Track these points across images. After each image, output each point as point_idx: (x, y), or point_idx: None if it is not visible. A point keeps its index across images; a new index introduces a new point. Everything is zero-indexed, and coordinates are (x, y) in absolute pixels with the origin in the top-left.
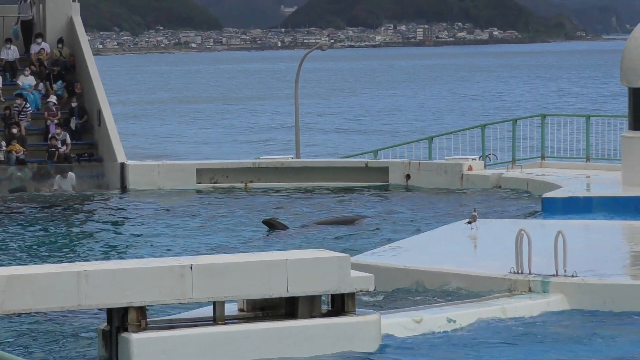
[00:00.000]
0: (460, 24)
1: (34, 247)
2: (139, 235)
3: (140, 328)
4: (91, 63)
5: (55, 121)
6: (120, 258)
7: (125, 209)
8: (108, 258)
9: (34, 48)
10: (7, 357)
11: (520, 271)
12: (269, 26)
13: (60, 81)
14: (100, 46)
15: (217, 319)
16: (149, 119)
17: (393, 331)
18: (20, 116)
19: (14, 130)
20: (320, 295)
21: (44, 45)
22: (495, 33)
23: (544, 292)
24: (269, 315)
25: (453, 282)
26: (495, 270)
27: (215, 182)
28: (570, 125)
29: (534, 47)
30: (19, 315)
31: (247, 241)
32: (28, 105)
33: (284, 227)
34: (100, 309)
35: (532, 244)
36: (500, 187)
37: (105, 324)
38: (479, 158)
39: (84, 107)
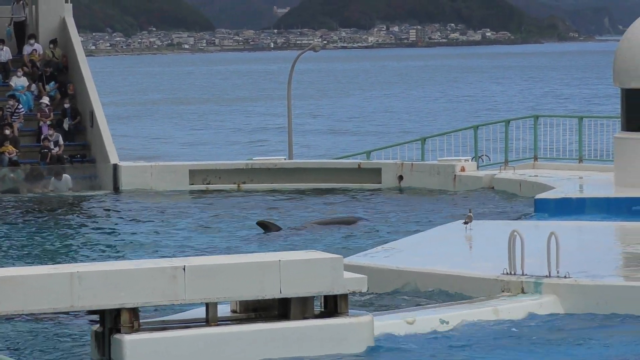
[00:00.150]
0: (452, 25)
1: (27, 248)
2: (131, 237)
3: (132, 329)
4: (84, 64)
5: (48, 122)
6: (113, 259)
7: (117, 210)
8: (100, 259)
9: (27, 49)
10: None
11: (513, 272)
12: (262, 27)
13: (52, 82)
14: (93, 47)
15: (210, 320)
16: (141, 120)
17: (386, 332)
18: (13, 117)
19: (7, 132)
20: (313, 297)
21: (36, 46)
22: (488, 34)
23: (537, 293)
24: (261, 317)
25: (446, 283)
26: (488, 271)
27: (208, 183)
28: (563, 126)
29: (527, 48)
30: (12, 317)
31: (241, 242)
32: (21, 106)
33: (278, 229)
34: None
35: (524, 245)
36: (493, 188)
37: (98, 325)
38: (472, 159)
39: (76, 108)
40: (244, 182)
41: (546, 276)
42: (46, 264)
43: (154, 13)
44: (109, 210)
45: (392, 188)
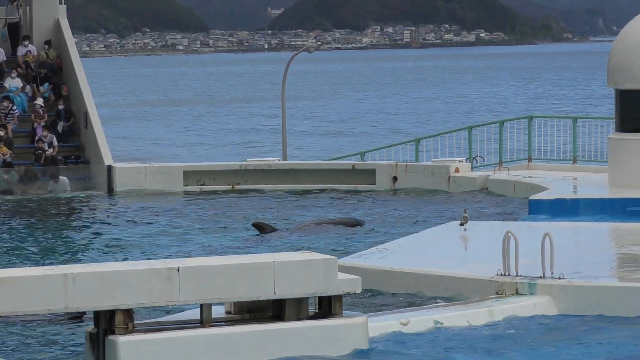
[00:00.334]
0: (447, 26)
1: (21, 249)
2: (125, 238)
3: (127, 331)
4: (78, 65)
5: (42, 123)
6: (107, 260)
7: (112, 212)
8: (95, 260)
9: (21, 50)
10: None
11: (507, 273)
12: (256, 28)
13: (47, 83)
14: (87, 48)
15: (205, 321)
16: (136, 121)
17: (380, 333)
18: (7, 118)
19: (1, 133)
20: (307, 298)
21: (30, 47)
22: (482, 35)
23: (531, 294)
24: (256, 318)
25: (440, 284)
26: (483, 272)
27: (202, 185)
28: (557, 127)
29: (521, 49)
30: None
31: (235, 243)
32: (15, 107)
33: (273, 230)
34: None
35: (519, 245)
36: (487, 189)
37: (93, 326)
38: (466, 160)
39: (70, 110)
40: (238, 184)
41: (540, 277)
42: (40, 265)
43: (148, 14)
44: (103, 211)
45: (386, 189)
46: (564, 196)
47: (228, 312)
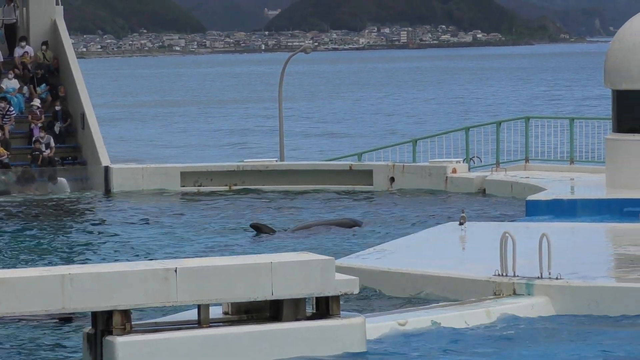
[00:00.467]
0: (443, 26)
1: (18, 250)
2: (123, 239)
3: (124, 331)
4: (75, 66)
5: (39, 124)
6: (104, 261)
7: (109, 212)
8: (92, 261)
9: (18, 51)
10: None
11: (504, 274)
12: (253, 29)
13: (44, 84)
14: (84, 49)
15: (202, 322)
16: (133, 122)
17: (378, 334)
18: (4, 119)
19: None
20: (305, 298)
21: (27, 48)
22: (479, 35)
23: (529, 294)
24: (253, 318)
25: (438, 285)
26: (480, 272)
27: (199, 185)
28: (554, 128)
29: (518, 49)
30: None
31: (233, 244)
32: (12, 108)
33: (270, 231)
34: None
35: (516, 246)
36: (484, 189)
37: (90, 327)
38: (463, 161)
39: (67, 111)
40: (236, 184)
41: (538, 277)
42: (37, 265)
43: (145, 15)
44: (100, 212)
45: (383, 190)
46: (562, 197)
47: (225, 313)
